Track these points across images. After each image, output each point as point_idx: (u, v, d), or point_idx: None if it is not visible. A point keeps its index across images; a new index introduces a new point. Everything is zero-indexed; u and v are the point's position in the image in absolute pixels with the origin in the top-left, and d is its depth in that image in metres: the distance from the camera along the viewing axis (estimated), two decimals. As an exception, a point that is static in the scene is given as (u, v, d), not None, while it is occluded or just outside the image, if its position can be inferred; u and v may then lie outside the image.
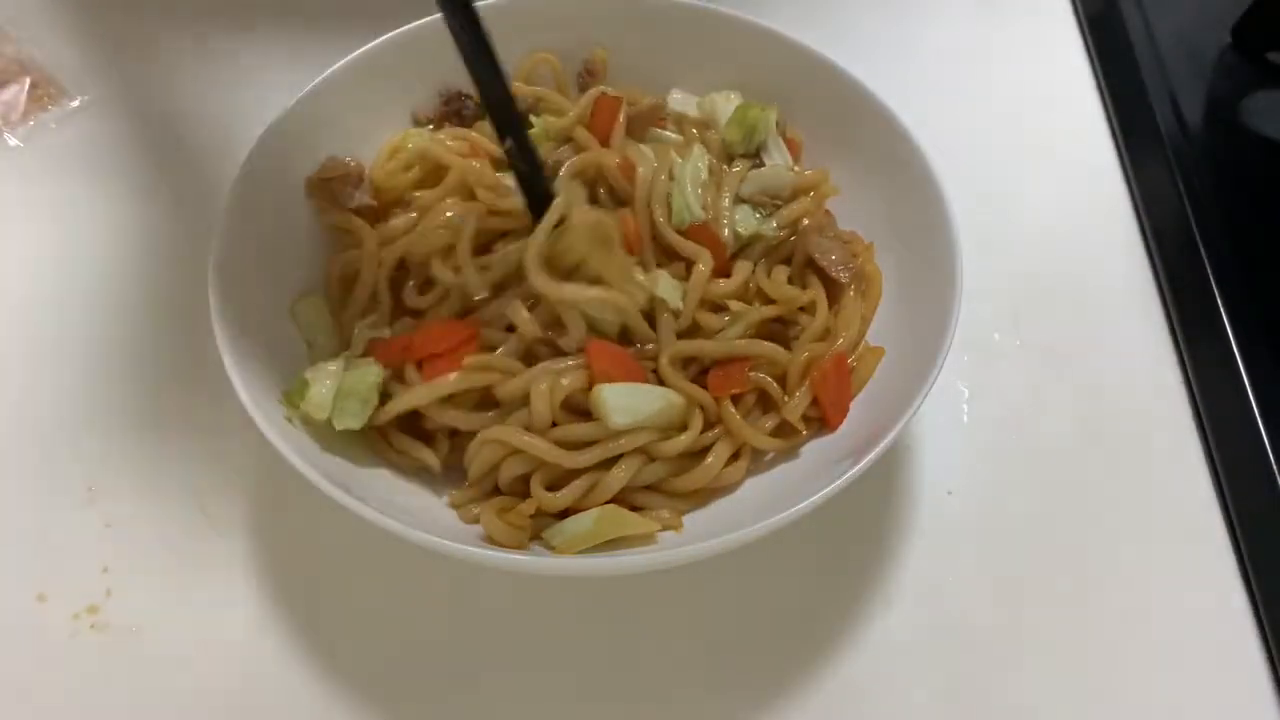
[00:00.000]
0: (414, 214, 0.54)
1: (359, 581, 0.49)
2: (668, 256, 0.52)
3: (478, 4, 0.45)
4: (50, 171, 0.63)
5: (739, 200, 0.55)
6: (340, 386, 0.48)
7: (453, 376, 0.48)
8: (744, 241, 0.54)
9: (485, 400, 0.49)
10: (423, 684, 0.47)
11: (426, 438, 0.50)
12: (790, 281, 0.53)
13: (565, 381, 0.47)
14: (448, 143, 0.55)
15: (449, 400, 0.48)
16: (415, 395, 0.48)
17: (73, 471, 0.52)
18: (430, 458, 0.48)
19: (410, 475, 0.50)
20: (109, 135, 0.64)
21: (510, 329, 0.49)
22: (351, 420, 0.48)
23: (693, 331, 0.51)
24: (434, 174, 0.55)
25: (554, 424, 0.47)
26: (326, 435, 0.48)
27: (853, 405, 0.51)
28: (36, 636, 0.48)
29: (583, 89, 0.59)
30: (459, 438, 0.50)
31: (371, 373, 0.49)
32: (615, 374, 0.48)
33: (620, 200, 0.53)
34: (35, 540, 0.50)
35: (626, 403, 0.47)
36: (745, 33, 0.58)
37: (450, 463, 0.49)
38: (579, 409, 0.48)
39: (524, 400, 0.48)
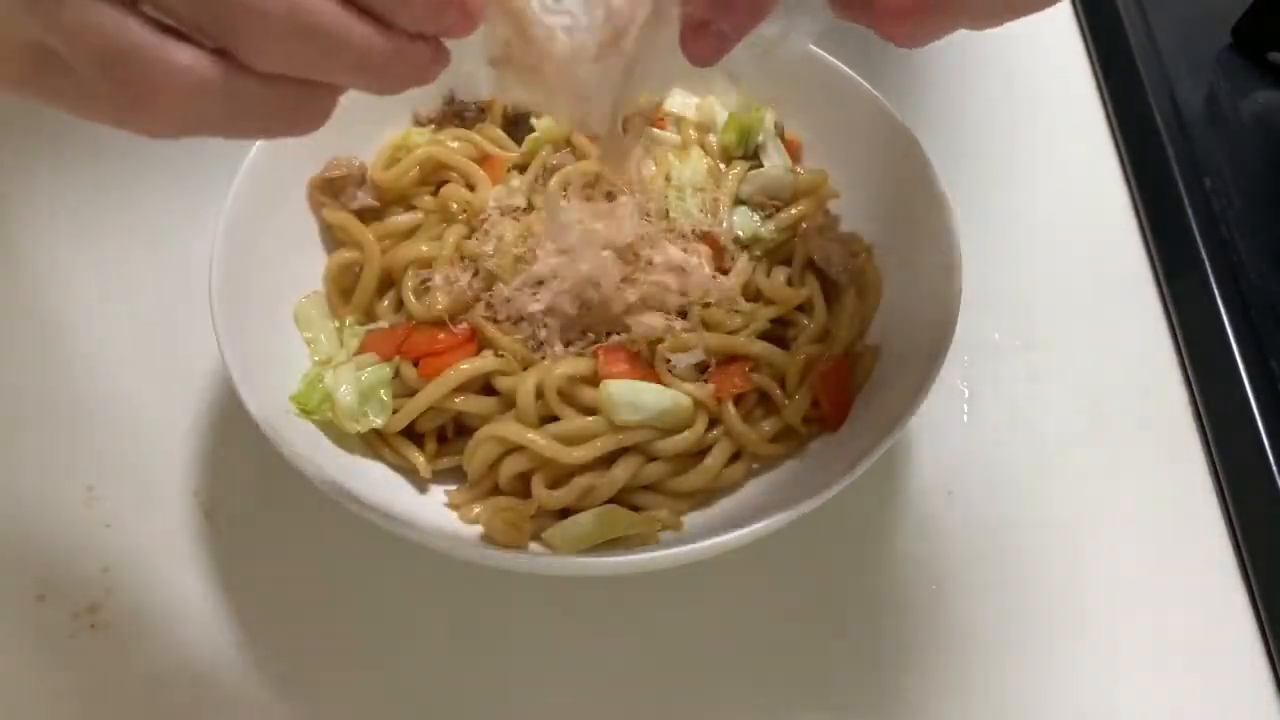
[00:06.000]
0: (417, 213, 0.55)
1: (359, 582, 0.49)
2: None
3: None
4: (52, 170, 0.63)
5: (738, 202, 0.55)
6: (359, 390, 0.48)
7: (464, 366, 0.48)
8: (743, 244, 0.54)
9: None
10: (423, 684, 0.47)
11: (415, 440, 0.50)
12: (790, 283, 0.53)
13: (558, 373, 0.47)
14: (451, 144, 0.56)
15: (456, 390, 0.49)
16: (428, 393, 0.48)
17: (73, 471, 0.52)
18: (419, 460, 0.49)
19: (409, 475, 0.50)
20: (111, 135, 0.64)
21: (512, 320, 0.50)
22: (374, 421, 0.48)
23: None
24: (434, 173, 0.56)
25: (556, 419, 0.48)
26: (326, 435, 0.48)
27: (854, 405, 0.51)
28: (36, 636, 0.48)
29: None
30: (447, 443, 0.50)
31: (383, 372, 0.49)
32: (625, 375, 0.48)
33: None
34: (35, 540, 0.50)
35: (634, 399, 0.47)
36: (745, 33, 0.58)
37: (448, 463, 0.50)
38: (586, 408, 0.48)
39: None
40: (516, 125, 0.58)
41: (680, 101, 0.59)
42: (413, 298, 0.51)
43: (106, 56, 0.27)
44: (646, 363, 0.49)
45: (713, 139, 0.57)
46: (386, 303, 0.53)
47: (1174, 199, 0.62)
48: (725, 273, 0.52)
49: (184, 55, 0.28)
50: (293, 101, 0.30)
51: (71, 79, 0.28)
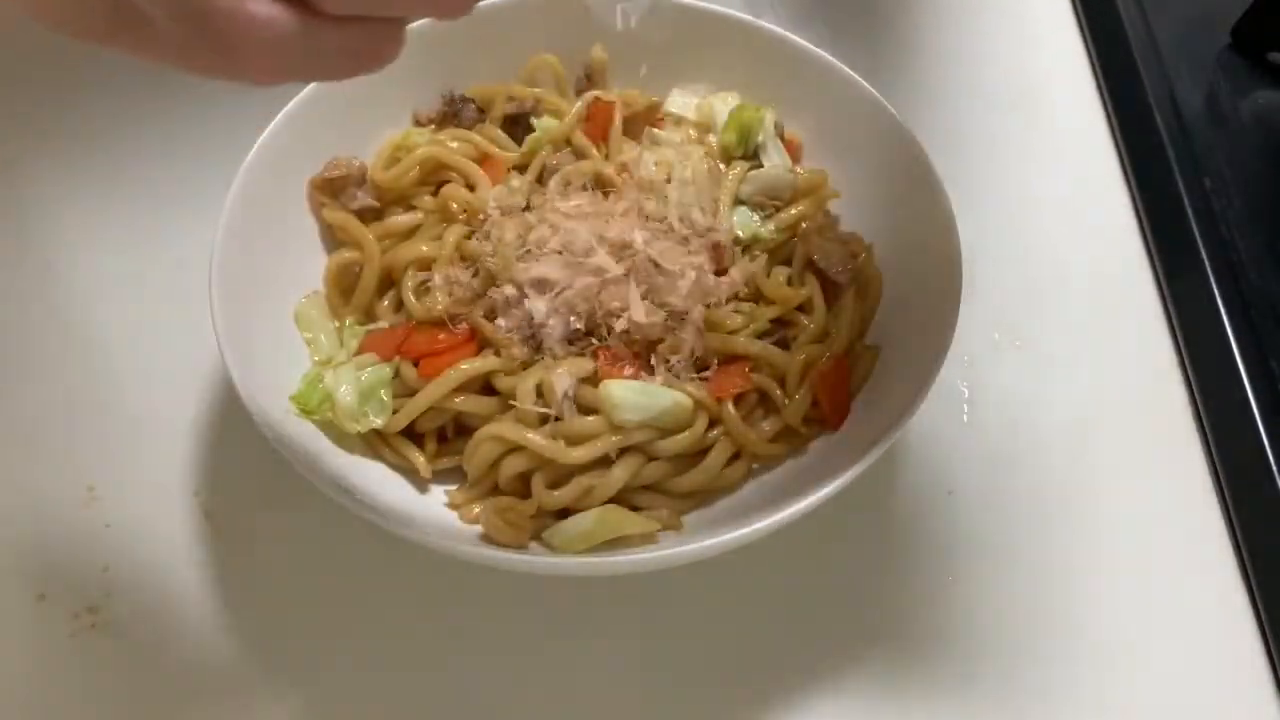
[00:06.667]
0: (417, 213, 0.55)
1: (359, 582, 0.49)
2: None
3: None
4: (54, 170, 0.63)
5: (738, 202, 0.55)
6: (359, 390, 0.48)
7: (464, 366, 0.48)
8: (743, 244, 0.54)
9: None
10: (422, 684, 0.47)
11: (415, 440, 0.50)
12: (790, 283, 0.53)
13: (559, 375, 0.47)
14: (451, 144, 0.56)
15: (456, 390, 0.49)
16: (428, 393, 0.48)
17: (73, 471, 0.52)
18: (419, 460, 0.49)
19: (409, 475, 0.50)
20: (110, 136, 0.64)
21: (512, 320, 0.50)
22: (374, 421, 0.48)
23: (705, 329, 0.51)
24: (434, 173, 0.56)
25: (556, 419, 0.48)
26: (326, 435, 0.48)
27: (854, 405, 0.51)
28: (36, 636, 0.48)
29: (579, 93, 0.59)
30: (447, 443, 0.50)
31: (383, 372, 0.49)
32: (625, 375, 0.48)
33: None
34: (35, 540, 0.50)
35: (635, 399, 0.47)
36: (746, 33, 0.58)
37: (448, 463, 0.50)
38: (587, 407, 0.48)
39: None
40: (516, 125, 0.58)
41: (680, 101, 0.59)
42: (413, 298, 0.51)
43: (186, 12, 0.28)
44: (646, 363, 0.49)
45: (713, 139, 0.57)
46: (386, 303, 0.53)
47: (1174, 199, 0.62)
48: (725, 273, 0.52)
49: (261, 7, 0.28)
50: (366, 40, 0.31)
51: (155, 32, 0.29)
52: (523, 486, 0.48)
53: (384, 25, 0.31)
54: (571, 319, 0.49)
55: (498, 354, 0.49)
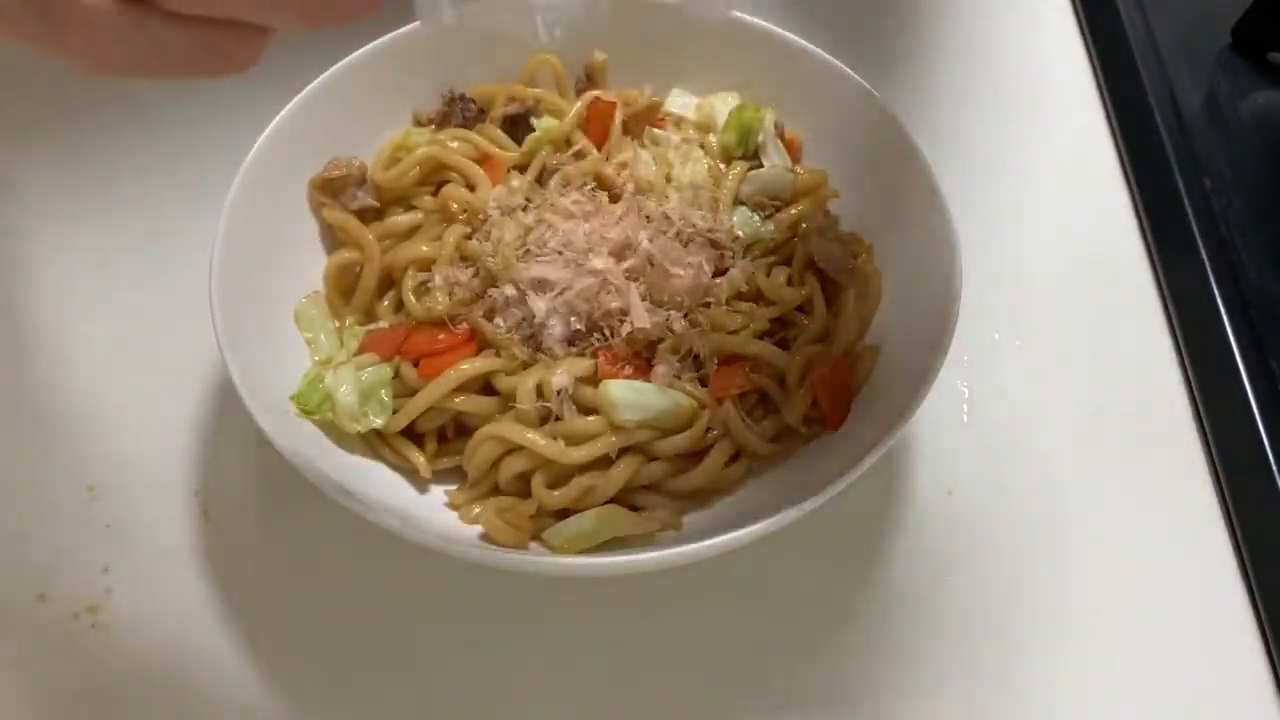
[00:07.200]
0: (417, 213, 0.55)
1: (359, 582, 0.49)
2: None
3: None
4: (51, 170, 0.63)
5: (738, 202, 0.55)
6: (359, 390, 0.48)
7: (464, 366, 0.48)
8: (743, 244, 0.54)
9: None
10: (422, 684, 0.47)
11: (416, 440, 0.50)
12: (790, 283, 0.53)
13: (559, 375, 0.47)
14: (451, 144, 0.56)
15: (456, 390, 0.49)
16: (428, 393, 0.48)
17: (73, 471, 0.52)
18: (420, 460, 0.49)
19: (409, 475, 0.50)
20: (110, 135, 0.64)
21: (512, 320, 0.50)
22: (374, 421, 0.48)
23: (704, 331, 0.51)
24: (434, 173, 0.56)
25: (556, 419, 0.48)
26: (326, 435, 0.48)
27: (854, 405, 0.51)
28: (36, 636, 0.48)
29: (579, 93, 0.59)
30: (447, 443, 0.50)
31: (383, 372, 0.49)
32: (625, 375, 0.48)
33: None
34: (35, 540, 0.50)
35: (635, 399, 0.47)
36: (746, 33, 0.58)
37: (448, 463, 0.50)
38: (587, 407, 0.48)
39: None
40: (516, 125, 0.58)
41: (680, 101, 0.59)
42: (413, 298, 0.51)
43: None
44: (646, 363, 0.49)
45: (713, 139, 0.57)
46: (386, 303, 0.53)
47: (1174, 199, 0.62)
48: (725, 273, 0.52)
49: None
50: (215, 44, 0.30)
51: (5, 12, 0.29)
52: (523, 486, 0.48)
53: (237, 31, 0.30)
54: (571, 319, 0.49)
55: (498, 354, 0.49)
